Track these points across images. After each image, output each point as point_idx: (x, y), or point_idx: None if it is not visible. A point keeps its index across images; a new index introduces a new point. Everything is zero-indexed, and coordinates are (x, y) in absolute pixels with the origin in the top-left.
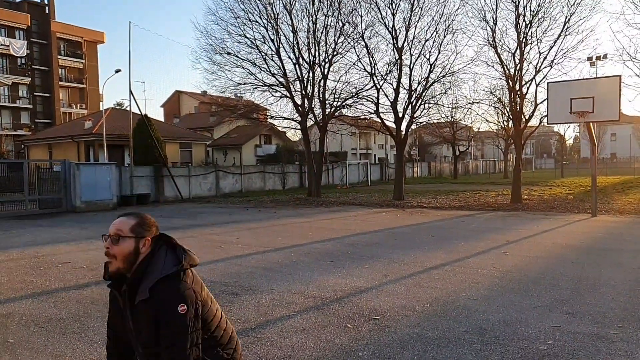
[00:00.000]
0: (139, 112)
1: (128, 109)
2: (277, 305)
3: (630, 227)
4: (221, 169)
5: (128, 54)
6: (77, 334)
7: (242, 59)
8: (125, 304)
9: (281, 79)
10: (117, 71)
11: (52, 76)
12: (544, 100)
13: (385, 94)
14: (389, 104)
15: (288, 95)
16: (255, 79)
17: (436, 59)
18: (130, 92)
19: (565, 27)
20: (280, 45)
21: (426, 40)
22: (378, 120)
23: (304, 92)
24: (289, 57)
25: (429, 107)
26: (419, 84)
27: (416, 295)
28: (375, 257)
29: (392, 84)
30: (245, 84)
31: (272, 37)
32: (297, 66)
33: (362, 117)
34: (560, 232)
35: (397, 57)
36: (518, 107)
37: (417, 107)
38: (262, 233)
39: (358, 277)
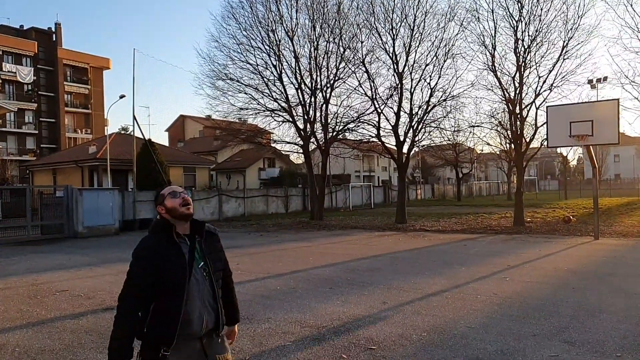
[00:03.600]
0: (143, 137)
1: (132, 133)
2: (273, 335)
3: (633, 251)
4: (224, 192)
5: (132, 81)
6: None
7: (245, 85)
8: (194, 246)
9: (283, 104)
10: (122, 97)
11: (58, 102)
12: (544, 123)
13: (387, 118)
14: (390, 127)
15: (290, 119)
16: (258, 104)
17: (436, 83)
18: (134, 117)
19: (564, 52)
20: (283, 70)
21: (426, 65)
22: (380, 143)
23: (306, 117)
24: (291, 82)
25: (430, 131)
26: (419, 107)
27: (414, 323)
28: (375, 283)
29: (393, 108)
30: (247, 108)
31: (275, 63)
32: (299, 91)
33: (364, 140)
34: (562, 256)
35: (397, 82)
36: (518, 130)
37: (418, 131)
38: (263, 258)
39: (356, 305)
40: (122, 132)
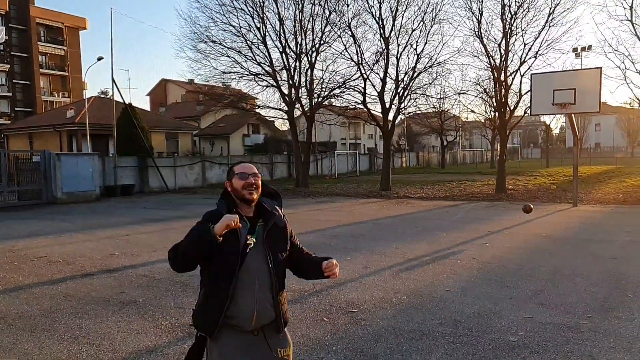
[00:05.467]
0: (123, 101)
1: (112, 98)
2: None
3: (609, 217)
4: (208, 159)
5: (110, 41)
6: (47, 331)
7: (228, 48)
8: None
9: (267, 68)
10: (100, 59)
11: (32, 63)
12: (528, 91)
13: (372, 84)
14: (376, 94)
15: (274, 84)
16: (241, 68)
17: (423, 49)
18: (113, 80)
19: (550, 18)
20: (267, 33)
21: (413, 30)
22: (366, 110)
23: (290, 82)
24: (275, 46)
25: (416, 98)
26: (405, 74)
27: (394, 287)
28: (358, 249)
29: (379, 74)
30: (230, 72)
31: (258, 26)
32: (283, 55)
33: (349, 107)
34: (541, 223)
35: (384, 47)
36: (503, 98)
37: (404, 98)
38: None
39: (339, 270)
40: (102, 96)
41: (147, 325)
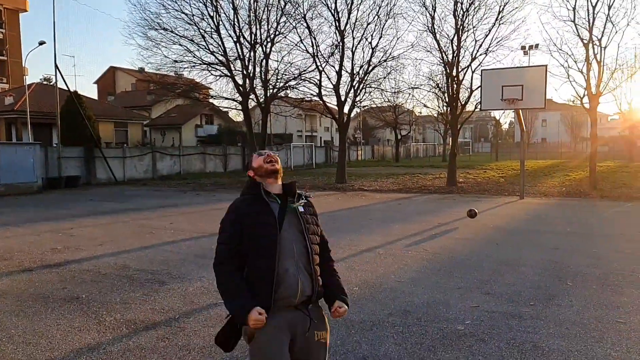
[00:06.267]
0: (67, 89)
1: (55, 85)
2: (205, 294)
3: (552, 209)
4: (158, 149)
5: (53, 24)
6: None
7: (180, 36)
8: (285, 206)
9: (221, 58)
10: (42, 43)
11: None
12: (479, 87)
13: (328, 77)
14: (332, 86)
15: (228, 74)
16: (194, 57)
17: (377, 43)
18: (56, 66)
19: (500, 16)
20: (220, 22)
21: (368, 24)
22: (321, 102)
23: (245, 72)
24: (229, 35)
25: (371, 91)
26: (361, 67)
27: (347, 278)
28: None
29: (334, 67)
30: (182, 61)
31: (212, 14)
32: (237, 45)
33: (305, 99)
34: (489, 214)
35: (339, 40)
36: (454, 93)
37: (359, 91)
38: (199, 218)
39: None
40: (45, 82)
41: (90, 322)
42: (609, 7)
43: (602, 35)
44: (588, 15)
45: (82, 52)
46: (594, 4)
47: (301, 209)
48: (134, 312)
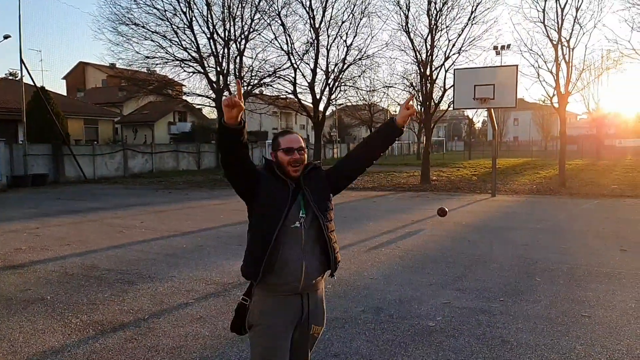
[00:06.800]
0: (34, 84)
1: (21, 80)
2: (175, 293)
3: (523, 206)
4: (130, 147)
5: (18, 17)
6: None
7: (152, 31)
8: (298, 191)
9: (194, 54)
10: (6, 37)
11: None
12: (452, 86)
13: (303, 75)
14: (307, 84)
15: (202, 71)
16: (166, 53)
17: (352, 42)
18: (22, 60)
19: (472, 16)
20: (193, 18)
21: (343, 22)
22: (296, 100)
23: (218, 69)
24: (203, 32)
25: (346, 89)
26: (336, 65)
27: None
28: None
29: (309, 65)
30: (154, 57)
31: (184, 10)
32: (211, 41)
33: (280, 96)
34: (462, 212)
35: (314, 38)
36: (428, 92)
37: (334, 89)
38: (170, 216)
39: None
40: (10, 77)
41: (55, 324)
42: (577, 10)
43: (570, 37)
44: (557, 17)
45: (50, 46)
46: (562, 6)
47: (313, 193)
48: (101, 313)
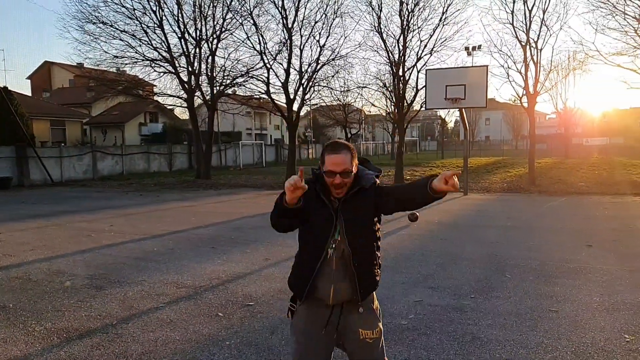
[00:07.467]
0: None
1: None
2: (145, 298)
3: (494, 204)
4: (99, 149)
5: None
6: None
7: (120, 30)
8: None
9: (165, 54)
10: None
11: None
12: (424, 86)
13: (276, 74)
14: (280, 84)
15: (173, 71)
16: (136, 53)
17: (325, 42)
18: None
19: (443, 17)
20: (164, 17)
21: (315, 22)
22: (270, 100)
23: (190, 69)
24: (174, 31)
25: (320, 90)
26: (309, 65)
27: None
28: (259, 240)
29: (282, 65)
30: (124, 57)
31: (154, 9)
32: (182, 41)
33: (254, 96)
34: (434, 210)
35: (287, 37)
36: (401, 93)
37: (308, 89)
38: (141, 219)
39: (238, 263)
40: None
41: (17, 332)
42: (544, 12)
43: (538, 38)
44: (525, 18)
45: (13, 45)
46: (530, 8)
47: (348, 215)
48: (66, 320)
